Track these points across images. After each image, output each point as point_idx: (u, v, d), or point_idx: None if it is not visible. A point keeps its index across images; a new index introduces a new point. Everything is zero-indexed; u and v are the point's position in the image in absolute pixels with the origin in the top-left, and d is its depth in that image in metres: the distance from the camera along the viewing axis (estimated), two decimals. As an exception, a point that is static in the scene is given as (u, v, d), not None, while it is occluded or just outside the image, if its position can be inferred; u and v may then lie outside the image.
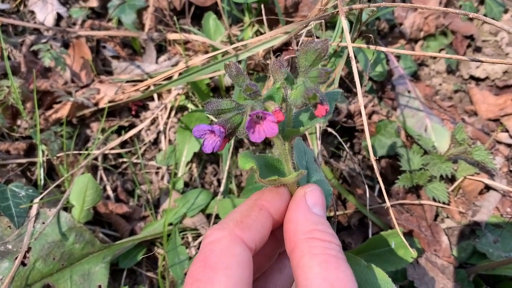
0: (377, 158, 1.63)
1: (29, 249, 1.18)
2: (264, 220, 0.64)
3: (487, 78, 1.97)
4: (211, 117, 1.53)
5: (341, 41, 1.38)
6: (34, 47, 1.53)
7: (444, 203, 1.51)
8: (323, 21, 1.42)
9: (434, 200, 1.52)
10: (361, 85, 1.57)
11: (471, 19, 2.05)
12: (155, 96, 1.71)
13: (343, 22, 0.97)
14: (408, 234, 1.46)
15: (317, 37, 1.46)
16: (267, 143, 1.64)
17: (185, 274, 1.37)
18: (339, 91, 0.69)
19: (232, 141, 1.51)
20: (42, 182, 1.41)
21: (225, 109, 0.61)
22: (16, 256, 1.15)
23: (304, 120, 0.66)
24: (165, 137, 1.65)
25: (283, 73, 0.58)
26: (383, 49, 1.28)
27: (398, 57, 1.91)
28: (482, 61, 1.00)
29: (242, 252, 0.57)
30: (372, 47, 1.29)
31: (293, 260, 0.59)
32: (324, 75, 0.58)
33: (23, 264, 1.16)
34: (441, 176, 1.54)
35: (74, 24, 1.80)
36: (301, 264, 0.57)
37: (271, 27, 1.62)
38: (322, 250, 0.57)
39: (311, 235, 0.60)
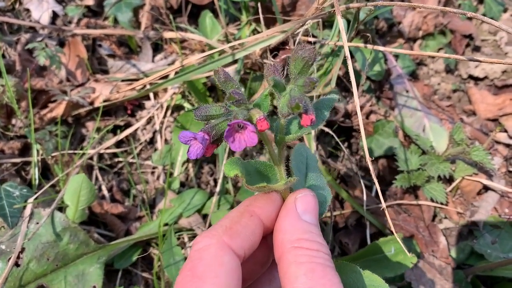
0: (375, 158, 1.62)
1: (22, 249, 1.17)
2: (254, 227, 0.62)
3: (486, 77, 1.95)
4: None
5: (338, 40, 1.37)
6: (29, 46, 1.52)
7: (442, 203, 1.50)
8: (320, 20, 1.41)
9: (432, 200, 1.51)
10: (358, 84, 1.56)
11: (470, 18, 2.04)
12: (151, 95, 1.69)
13: (340, 21, 0.95)
14: (408, 238, 1.45)
15: (314, 36, 1.44)
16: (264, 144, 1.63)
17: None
18: (335, 97, 0.67)
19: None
20: (37, 181, 1.40)
21: (213, 115, 0.60)
22: (10, 257, 1.14)
23: (293, 128, 0.65)
24: (161, 137, 1.64)
25: (271, 81, 0.57)
26: (380, 48, 1.27)
27: (396, 56, 1.89)
28: (480, 61, 0.98)
29: (230, 260, 0.56)
30: (369, 46, 1.28)
31: (281, 270, 0.59)
32: (309, 85, 0.57)
33: (16, 264, 1.15)
34: (439, 177, 1.53)
35: (70, 22, 1.78)
36: (288, 274, 0.56)
37: (268, 26, 1.61)
38: (308, 259, 0.56)
39: (298, 244, 0.59)
